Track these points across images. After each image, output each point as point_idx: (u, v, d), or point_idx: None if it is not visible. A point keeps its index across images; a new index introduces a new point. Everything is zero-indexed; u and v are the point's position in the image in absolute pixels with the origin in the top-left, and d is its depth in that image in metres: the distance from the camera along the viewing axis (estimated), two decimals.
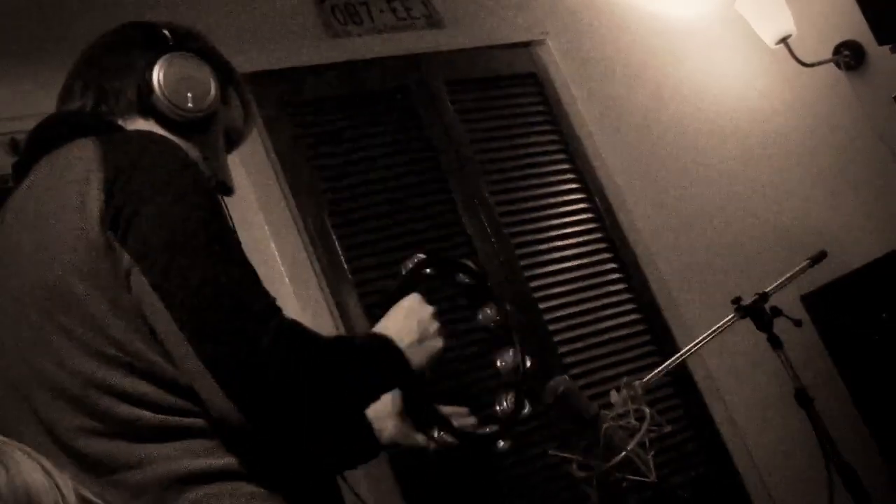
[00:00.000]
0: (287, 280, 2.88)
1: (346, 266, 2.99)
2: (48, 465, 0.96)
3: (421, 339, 1.59)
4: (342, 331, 2.90)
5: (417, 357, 1.57)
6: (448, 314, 1.72)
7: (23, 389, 1.45)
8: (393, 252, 3.02)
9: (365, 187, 3.12)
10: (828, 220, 3.88)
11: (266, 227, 2.91)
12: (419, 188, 3.22)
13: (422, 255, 1.73)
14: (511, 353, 1.81)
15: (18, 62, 2.73)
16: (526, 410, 1.81)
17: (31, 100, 2.61)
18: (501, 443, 1.78)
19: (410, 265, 1.74)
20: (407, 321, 1.60)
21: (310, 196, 3.02)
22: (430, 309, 1.64)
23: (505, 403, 1.80)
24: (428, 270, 1.74)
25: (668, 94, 3.83)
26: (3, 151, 2.64)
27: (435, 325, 1.62)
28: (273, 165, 3.00)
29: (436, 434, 1.78)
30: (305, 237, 2.97)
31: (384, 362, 1.53)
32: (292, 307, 2.83)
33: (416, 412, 1.78)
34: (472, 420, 1.83)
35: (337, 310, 2.93)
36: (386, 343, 1.54)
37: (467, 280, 1.80)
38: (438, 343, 1.62)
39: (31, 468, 0.94)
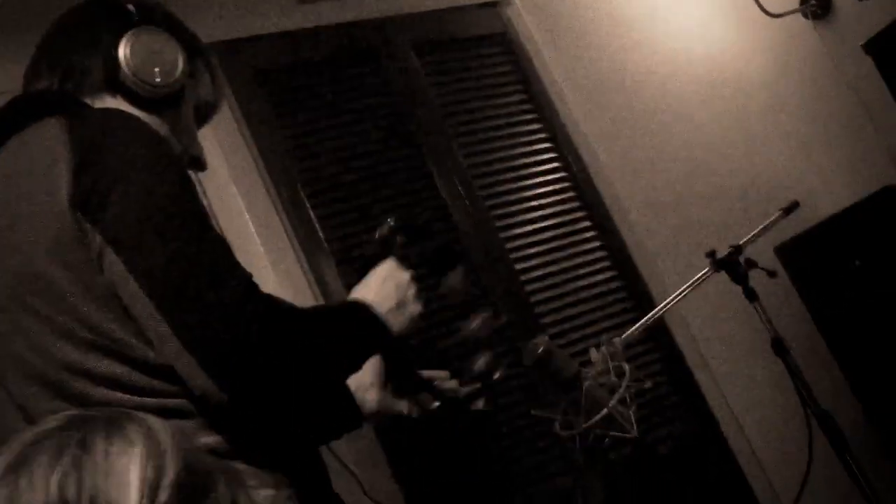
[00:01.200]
0: (263, 251, 2.87)
1: (321, 235, 2.98)
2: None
3: (399, 304, 1.59)
4: (320, 300, 2.90)
5: (397, 322, 1.57)
6: (426, 279, 1.71)
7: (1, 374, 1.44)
8: (368, 220, 3.01)
9: (337, 154, 3.11)
10: (799, 171, 3.90)
11: (239, 199, 2.89)
12: (391, 154, 3.21)
13: (391, 222, 1.73)
14: (481, 316, 1.82)
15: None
16: (499, 370, 1.83)
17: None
18: (480, 403, 1.79)
19: (383, 231, 1.73)
20: (384, 286, 1.59)
21: (282, 165, 3.01)
22: (407, 273, 1.64)
23: (480, 364, 1.82)
24: (398, 237, 1.74)
25: (637, 48, 3.82)
26: None
27: (413, 289, 1.62)
28: (244, 136, 2.98)
29: (418, 398, 1.79)
30: (279, 207, 2.96)
31: (364, 329, 1.53)
32: (269, 279, 2.82)
33: (397, 378, 1.78)
34: (452, 383, 1.83)
35: (314, 279, 2.93)
36: (365, 310, 1.54)
37: (435, 245, 1.81)
38: (417, 307, 1.62)
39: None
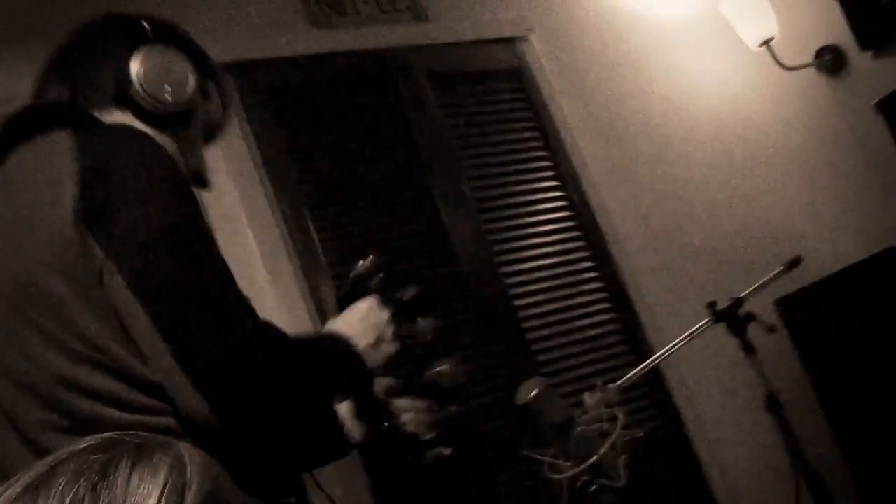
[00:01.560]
0: (262, 267, 2.88)
1: (322, 257, 2.99)
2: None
3: (377, 342, 1.61)
4: (315, 319, 2.90)
5: (371, 359, 1.60)
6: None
7: None
8: (370, 244, 3.01)
9: (344, 178, 3.11)
10: (804, 225, 3.90)
11: (244, 217, 2.90)
12: (399, 181, 3.22)
13: (370, 260, 1.74)
14: (447, 363, 1.83)
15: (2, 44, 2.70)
16: (460, 378, 1.84)
17: (12, 81, 2.58)
18: (446, 451, 1.79)
19: (360, 269, 1.75)
20: (363, 324, 1.62)
21: (289, 185, 3.01)
22: (386, 313, 1.66)
23: (443, 370, 1.83)
24: (376, 276, 1.76)
25: (649, 93, 3.83)
26: None
27: (391, 329, 1.65)
28: (253, 155, 2.99)
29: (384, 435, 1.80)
30: (283, 226, 2.97)
31: (343, 364, 1.55)
32: (267, 294, 2.83)
33: (366, 413, 1.78)
34: (427, 418, 1.82)
35: (312, 299, 2.93)
36: (345, 346, 1.56)
37: (412, 291, 1.81)
38: (393, 347, 1.65)
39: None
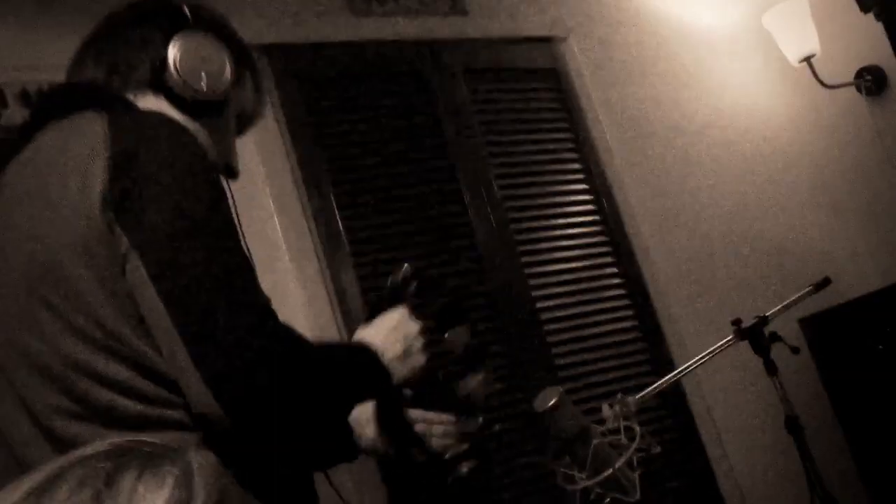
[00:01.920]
0: (287, 256, 2.87)
1: (347, 246, 2.98)
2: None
3: (405, 354, 1.57)
4: (337, 310, 2.89)
5: (399, 372, 1.56)
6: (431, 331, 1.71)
7: (3, 364, 1.42)
8: (393, 238, 3.03)
9: (373, 168, 3.10)
10: (833, 246, 3.86)
11: (271, 203, 2.89)
12: (427, 173, 3.20)
13: (407, 269, 1.72)
14: (478, 377, 1.80)
15: (31, 12, 2.69)
16: (490, 390, 1.81)
17: (43, 50, 2.58)
18: (465, 468, 1.76)
19: (397, 277, 1.72)
20: (392, 334, 1.58)
21: (317, 173, 3.00)
22: (418, 325, 1.62)
23: (471, 384, 1.80)
24: (411, 285, 1.73)
25: (685, 103, 3.79)
26: (14, 101, 2.61)
27: (420, 342, 1.60)
28: (283, 140, 2.97)
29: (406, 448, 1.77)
30: (309, 214, 2.96)
31: (366, 374, 1.52)
32: (291, 283, 2.83)
33: (390, 425, 1.77)
34: (451, 430, 1.78)
35: (334, 289, 2.92)
36: (370, 354, 1.53)
37: (444, 300, 1.79)
38: (422, 359, 1.60)
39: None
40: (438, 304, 1.77)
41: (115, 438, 0.93)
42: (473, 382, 1.78)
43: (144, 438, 0.91)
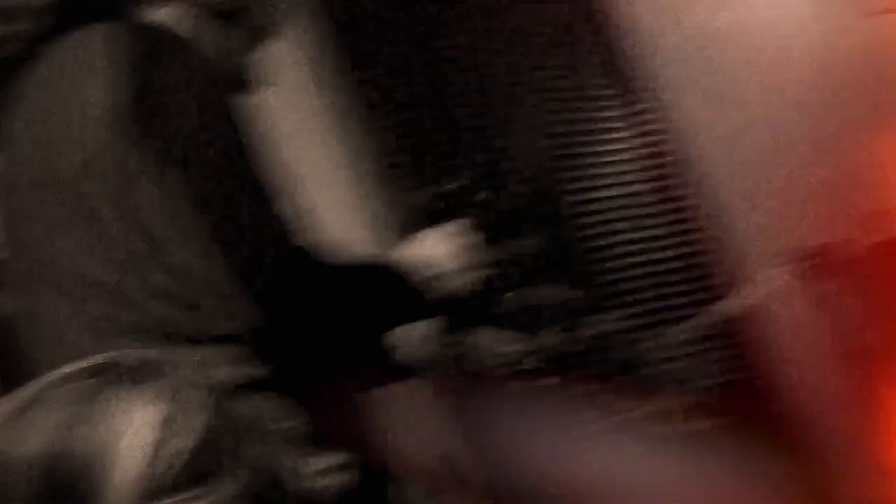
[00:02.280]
0: (322, 174, 2.77)
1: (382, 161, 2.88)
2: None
3: (464, 267, 1.58)
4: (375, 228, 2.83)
5: (456, 284, 1.57)
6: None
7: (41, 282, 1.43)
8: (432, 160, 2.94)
9: (410, 85, 2.89)
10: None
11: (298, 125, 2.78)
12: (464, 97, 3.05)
13: (465, 178, 1.72)
14: (551, 289, 1.77)
15: None
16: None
17: None
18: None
19: (456, 186, 1.73)
20: (450, 246, 1.59)
21: (349, 82, 2.80)
22: (476, 236, 1.63)
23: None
24: (479, 192, 1.68)
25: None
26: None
27: (480, 254, 1.62)
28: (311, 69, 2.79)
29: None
30: (338, 125, 2.78)
31: (395, 295, 1.53)
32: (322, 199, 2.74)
33: (444, 341, 1.78)
34: (512, 348, 1.80)
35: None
36: (401, 276, 1.52)
37: (507, 208, 1.76)
38: (481, 272, 1.61)
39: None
40: (507, 209, 1.78)
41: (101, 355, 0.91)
42: (547, 293, 1.76)
43: (131, 353, 0.90)
